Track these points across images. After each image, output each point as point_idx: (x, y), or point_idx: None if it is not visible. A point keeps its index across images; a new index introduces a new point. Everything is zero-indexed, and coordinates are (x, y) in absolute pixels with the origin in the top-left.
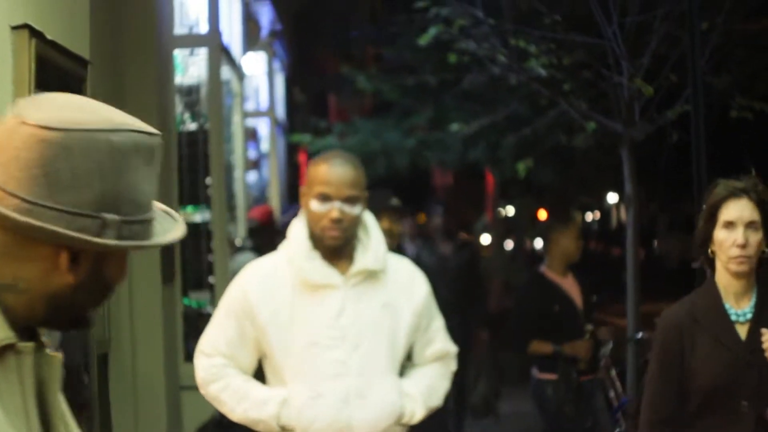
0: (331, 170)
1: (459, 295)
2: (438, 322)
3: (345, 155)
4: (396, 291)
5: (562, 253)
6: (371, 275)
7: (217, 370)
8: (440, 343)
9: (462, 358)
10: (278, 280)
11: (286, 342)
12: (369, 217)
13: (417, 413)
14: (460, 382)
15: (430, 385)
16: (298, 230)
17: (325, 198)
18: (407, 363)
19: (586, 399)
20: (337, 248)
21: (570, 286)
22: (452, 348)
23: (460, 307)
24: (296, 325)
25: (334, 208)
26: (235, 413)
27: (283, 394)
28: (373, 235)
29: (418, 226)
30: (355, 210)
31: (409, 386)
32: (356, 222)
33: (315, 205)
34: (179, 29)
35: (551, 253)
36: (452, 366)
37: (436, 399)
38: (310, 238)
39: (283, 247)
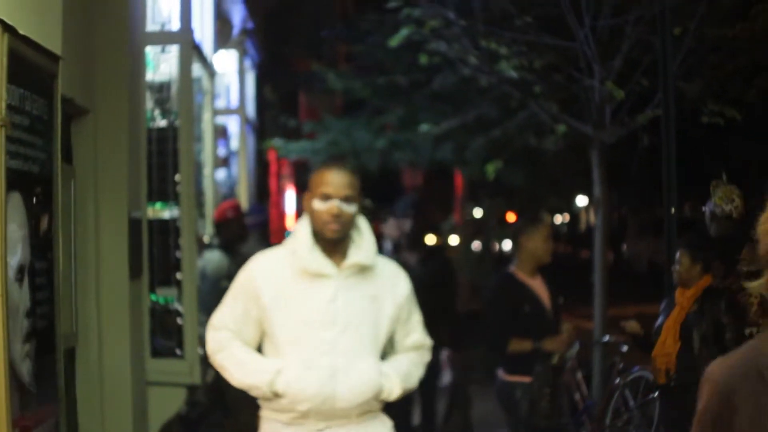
0: (331, 175)
1: (426, 312)
2: (417, 316)
3: (342, 164)
4: (382, 286)
5: (531, 255)
6: (362, 270)
7: (223, 342)
8: (418, 335)
9: (430, 384)
10: (281, 268)
11: (284, 321)
12: (362, 221)
13: (394, 391)
14: (429, 411)
15: (407, 370)
16: (302, 228)
17: (326, 197)
18: (389, 350)
19: (559, 398)
20: (335, 241)
21: (539, 287)
22: (427, 341)
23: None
24: (294, 307)
25: (334, 205)
26: (235, 378)
27: (277, 365)
28: (364, 236)
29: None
30: (351, 208)
31: (389, 368)
32: (352, 219)
33: (317, 204)
34: (151, 26)
35: (521, 254)
36: (426, 357)
37: (412, 382)
38: (313, 234)
39: (288, 243)
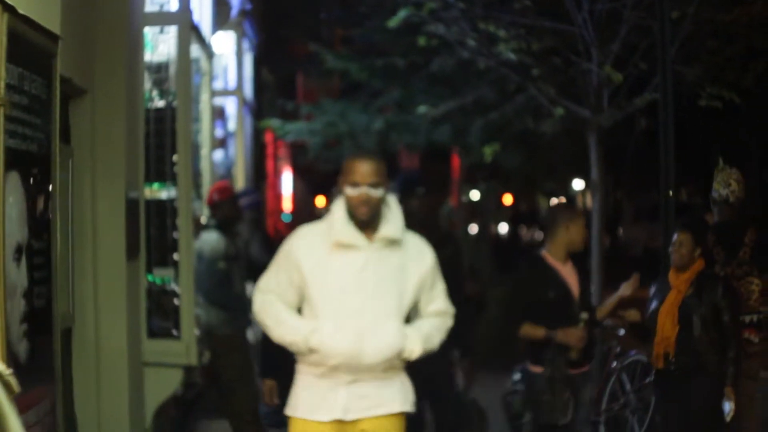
0: (359, 164)
1: None
2: (440, 286)
3: (369, 154)
4: (408, 258)
5: (569, 241)
6: (391, 243)
7: (268, 304)
8: (440, 303)
9: (439, 393)
10: (320, 241)
11: (321, 288)
12: (392, 199)
13: (415, 351)
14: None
15: (429, 332)
16: (339, 206)
17: (355, 184)
18: (414, 315)
19: (573, 392)
20: (366, 221)
21: (568, 273)
22: (450, 308)
23: None
24: (330, 276)
25: (363, 192)
26: (275, 334)
27: (313, 325)
28: (393, 212)
29: None
30: (378, 192)
31: (411, 330)
32: (379, 201)
33: (349, 190)
34: (150, 7)
35: (556, 239)
36: (448, 322)
37: (432, 344)
38: (348, 212)
39: (326, 219)
